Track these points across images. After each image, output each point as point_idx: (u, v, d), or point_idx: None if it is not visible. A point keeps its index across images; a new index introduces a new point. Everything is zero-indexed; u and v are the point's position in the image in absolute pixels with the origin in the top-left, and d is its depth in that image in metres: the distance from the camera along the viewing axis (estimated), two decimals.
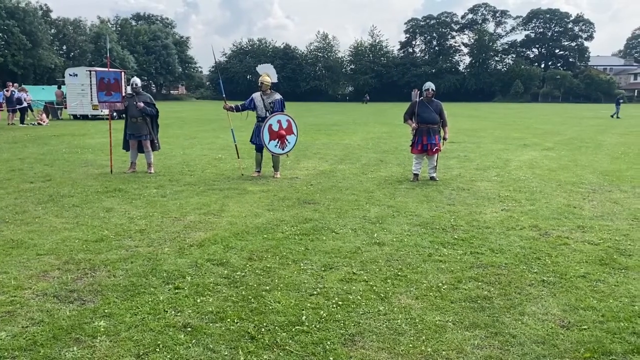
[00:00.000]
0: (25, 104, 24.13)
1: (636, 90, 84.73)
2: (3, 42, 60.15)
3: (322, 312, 3.77)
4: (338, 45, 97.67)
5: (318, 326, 3.55)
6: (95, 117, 26.97)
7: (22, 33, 59.85)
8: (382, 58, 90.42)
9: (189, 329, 3.48)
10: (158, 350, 3.19)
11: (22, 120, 23.67)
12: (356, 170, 10.74)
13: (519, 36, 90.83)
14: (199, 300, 3.96)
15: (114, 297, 4.01)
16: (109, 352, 3.17)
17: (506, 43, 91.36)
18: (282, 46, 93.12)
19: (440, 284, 4.35)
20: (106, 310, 3.76)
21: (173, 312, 3.75)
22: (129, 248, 5.28)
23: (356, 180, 9.58)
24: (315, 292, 4.15)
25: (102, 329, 3.46)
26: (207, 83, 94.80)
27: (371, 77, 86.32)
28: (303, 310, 3.80)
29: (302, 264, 4.84)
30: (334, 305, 3.89)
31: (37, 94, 32.27)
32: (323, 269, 4.73)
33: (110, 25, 79.97)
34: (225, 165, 11.22)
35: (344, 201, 7.68)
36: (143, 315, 3.68)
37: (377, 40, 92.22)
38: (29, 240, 5.48)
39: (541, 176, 10.14)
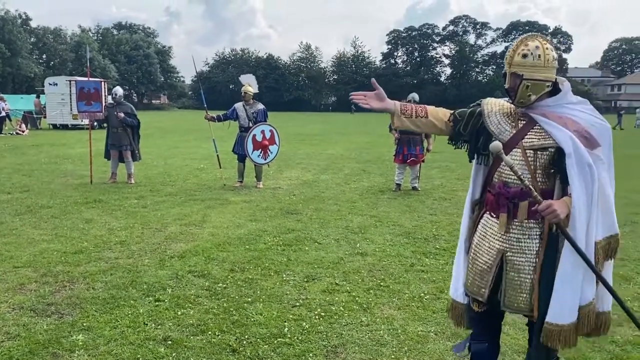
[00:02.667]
0: (3, 114, 23.76)
1: (613, 102, 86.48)
2: None
3: (304, 323, 3.75)
4: (321, 56, 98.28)
5: (300, 338, 3.53)
6: (75, 127, 26.61)
7: (1, 42, 59.04)
8: (364, 69, 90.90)
9: (169, 342, 3.44)
10: None
11: None
12: (339, 180, 10.76)
13: (499, 48, 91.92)
14: (179, 313, 3.91)
15: (93, 310, 3.94)
16: None
17: (486, 54, 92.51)
18: (265, 56, 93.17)
19: (422, 294, 4.37)
20: (85, 324, 3.69)
21: (153, 325, 3.70)
22: (109, 260, 5.21)
23: (339, 190, 9.59)
24: (297, 304, 4.13)
25: (81, 343, 3.40)
26: (190, 93, 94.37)
27: (354, 87, 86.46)
28: (285, 322, 3.78)
29: (284, 275, 4.82)
30: (317, 317, 3.88)
31: (16, 103, 31.77)
32: (305, 280, 4.71)
33: (91, 35, 79.24)
34: (207, 176, 11.15)
35: (327, 211, 7.68)
36: (122, 329, 3.63)
37: (359, 51, 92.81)
38: (6, 252, 5.37)
39: None
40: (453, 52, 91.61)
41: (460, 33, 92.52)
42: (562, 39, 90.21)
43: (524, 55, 2.32)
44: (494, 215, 2.47)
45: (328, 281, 4.68)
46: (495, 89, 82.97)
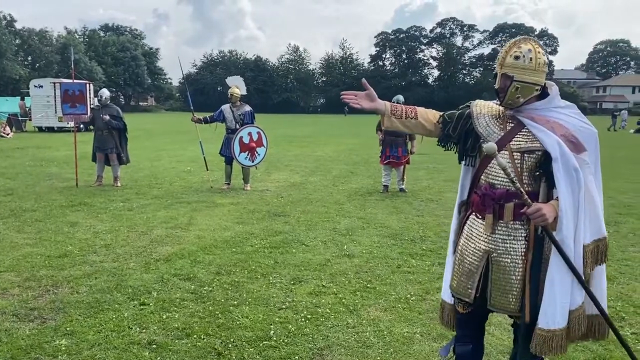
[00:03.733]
0: None
1: (598, 103, 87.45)
2: None
3: (290, 326, 3.74)
4: (309, 58, 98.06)
5: (286, 341, 3.52)
6: (61, 129, 26.37)
7: None
8: (352, 71, 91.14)
9: (154, 345, 3.41)
10: None
11: None
12: (327, 182, 10.76)
13: (486, 50, 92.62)
14: (164, 316, 3.88)
15: (77, 315, 3.90)
16: None
17: (474, 57, 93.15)
18: (253, 58, 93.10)
19: (408, 296, 4.37)
20: (68, 328, 3.65)
21: (138, 328, 3.67)
22: (94, 263, 5.16)
23: (327, 192, 9.59)
24: (284, 306, 4.12)
25: (64, 348, 3.36)
26: (177, 94, 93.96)
27: (342, 89, 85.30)
28: (271, 325, 3.77)
29: (271, 278, 4.80)
30: (303, 319, 3.87)
31: (0, 106, 31.40)
32: (292, 282, 4.70)
33: (77, 36, 78.60)
34: (194, 178, 11.10)
35: (315, 213, 7.67)
36: (107, 333, 3.59)
37: (347, 53, 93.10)
38: None
39: None
40: (440, 54, 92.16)
41: (448, 35, 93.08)
42: (548, 41, 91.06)
43: (516, 57, 2.34)
44: (480, 217, 2.48)
45: (315, 283, 4.67)
46: (482, 90, 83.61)
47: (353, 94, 2.60)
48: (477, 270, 2.47)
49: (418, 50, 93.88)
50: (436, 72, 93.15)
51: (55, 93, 10.22)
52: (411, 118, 2.57)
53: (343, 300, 4.27)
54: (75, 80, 10.38)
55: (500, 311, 2.49)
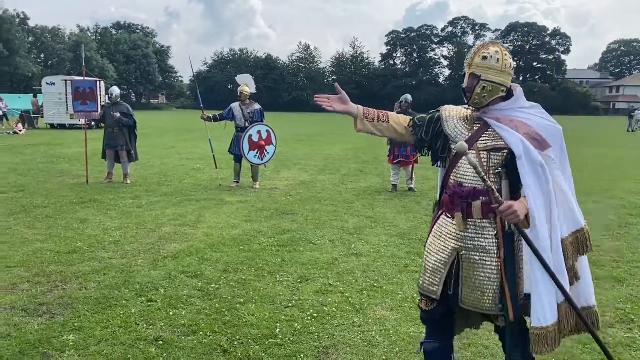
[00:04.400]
0: (0, 113, 23.71)
1: (612, 103, 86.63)
2: None
3: (296, 324, 3.75)
4: (320, 56, 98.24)
5: (292, 339, 3.53)
6: (73, 127, 26.60)
7: None
8: (363, 69, 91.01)
9: (161, 342, 3.43)
10: None
11: None
12: (336, 181, 10.76)
13: None
14: (171, 313, 3.90)
15: (85, 310, 3.93)
16: None
17: None
18: (264, 56, 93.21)
19: (415, 295, 4.35)
20: (76, 324, 3.68)
21: (145, 325, 3.69)
22: (102, 260, 5.20)
23: (336, 191, 9.59)
24: (290, 305, 4.12)
25: (71, 343, 3.39)
26: (188, 92, 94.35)
27: (353, 88, 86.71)
28: (277, 323, 3.77)
29: (278, 276, 4.81)
30: (309, 318, 3.87)
31: (13, 103, 31.77)
32: (299, 280, 4.70)
33: (89, 34, 79.16)
34: (204, 176, 11.14)
35: (323, 212, 7.67)
36: (114, 329, 3.62)
37: (358, 52, 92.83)
38: None
39: None
40: (452, 53, 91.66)
41: (459, 34, 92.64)
42: (561, 40, 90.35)
43: (484, 58, 2.44)
44: (450, 216, 2.54)
45: (322, 282, 4.67)
46: None
47: (326, 97, 2.67)
48: (445, 267, 2.51)
49: (429, 49, 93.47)
50: (447, 72, 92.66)
51: (66, 90, 10.27)
52: (383, 122, 2.66)
53: (350, 299, 4.27)
54: (86, 78, 10.46)
55: (472, 309, 2.50)
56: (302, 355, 3.31)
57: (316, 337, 3.57)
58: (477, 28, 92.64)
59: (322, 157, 15.44)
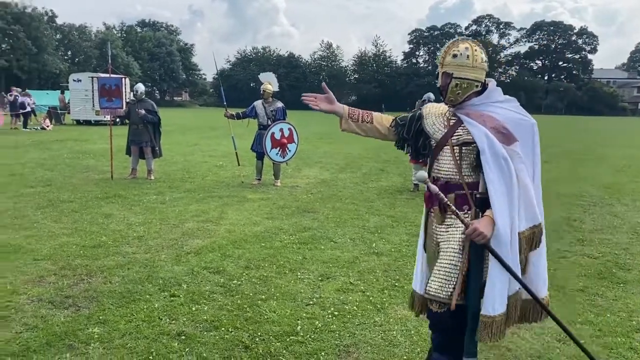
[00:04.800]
0: (28, 109, 24.22)
1: (639, 104, 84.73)
2: (9, 47, 60.46)
3: (317, 322, 3.75)
4: (342, 55, 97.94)
5: (313, 337, 3.53)
6: (98, 123, 27.03)
7: (27, 38, 60.16)
8: (385, 68, 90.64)
9: (183, 337, 3.47)
10: (151, 358, 3.18)
11: (24, 125, 23.74)
12: (357, 180, 10.74)
13: (523, 48, 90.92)
14: (194, 309, 3.94)
15: (109, 304, 4.00)
16: (102, 359, 3.15)
17: (510, 55, 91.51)
18: (286, 54, 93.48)
19: None
20: (101, 317, 3.74)
21: (168, 319, 3.74)
22: (126, 254, 5.27)
23: (357, 189, 9.57)
24: (311, 302, 4.13)
25: (96, 336, 3.45)
26: (211, 90, 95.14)
27: (374, 86, 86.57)
28: (298, 320, 3.78)
29: (299, 273, 4.82)
30: (330, 316, 3.87)
31: (41, 99, 32.37)
32: (320, 278, 4.71)
33: (115, 32, 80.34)
34: (226, 173, 11.22)
35: (344, 210, 7.67)
36: (137, 323, 3.67)
37: (380, 50, 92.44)
38: (27, 245, 5.48)
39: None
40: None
41: (484, 33, 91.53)
42: (587, 39, 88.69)
43: (454, 56, 2.49)
44: (432, 212, 2.63)
45: (342, 280, 4.67)
46: (518, 90, 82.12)
47: (313, 96, 2.75)
48: (433, 263, 2.59)
49: None
50: None
51: (93, 87, 10.44)
52: (367, 122, 2.76)
53: (370, 298, 4.26)
54: (112, 75, 10.62)
55: (434, 297, 2.52)
56: (323, 353, 3.31)
57: (337, 335, 3.57)
58: (501, 27, 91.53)
59: (342, 155, 15.42)
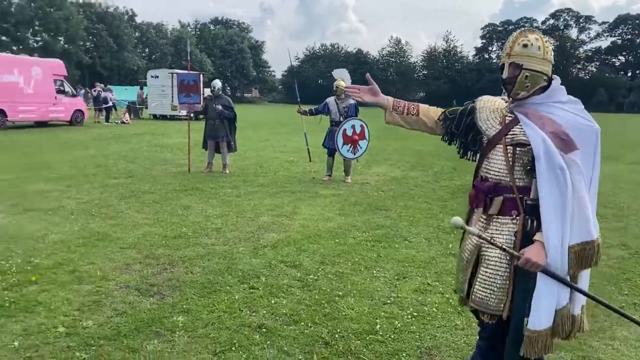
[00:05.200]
0: (110, 104, 25.55)
1: None
2: (92, 45, 64.07)
3: (396, 322, 3.69)
4: (411, 51, 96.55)
5: (393, 337, 3.48)
6: (173, 118, 28.11)
7: (109, 36, 63.57)
8: (456, 63, 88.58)
9: (264, 329, 3.51)
10: (234, 349, 3.23)
11: (107, 119, 25.07)
12: (428, 178, 10.53)
13: (604, 43, 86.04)
14: (273, 302, 3.98)
15: (192, 294, 4.11)
16: (187, 347, 3.24)
17: (589, 50, 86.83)
18: (354, 51, 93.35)
19: None
20: (184, 306, 3.86)
21: (248, 311, 3.80)
22: (206, 246, 5.42)
23: (429, 188, 9.38)
24: (388, 301, 4.07)
25: (181, 324, 3.55)
26: (280, 87, 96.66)
27: (444, 82, 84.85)
28: (377, 319, 3.74)
29: (374, 271, 4.77)
30: (409, 316, 3.80)
31: (121, 94, 34.10)
32: (396, 277, 4.64)
33: (189, 29, 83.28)
34: (297, 168, 11.33)
35: (417, 209, 7.53)
36: (219, 313, 3.75)
37: (451, 46, 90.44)
38: (113, 233, 5.75)
39: (629, 191, 9.51)
40: (553, 47, 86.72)
41: (561, 27, 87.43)
42: None
43: (525, 45, 2.33)
44: (476, 212, 2.51)
45: (420, 281, 4.58)
46: (598, 86, 77.84)
47: (357, 87, 2.70)
48: (470, 265, 2.47)
49: None
50: None
51: (172, 83, 10.83)
52: (412, 114, 2.66)
53: (450, 300, 4.14)
54: (190, 72, 10.96)
55: (481, 308, 2.40)
56: (404, 354, 3.25)
57: (417, 336, 3.50)
58: (581, 20, 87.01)
59: (413, 152, 15.19)
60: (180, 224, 6.24)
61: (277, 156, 13.45)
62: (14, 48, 52.61)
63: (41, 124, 20.81)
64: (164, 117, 28.67)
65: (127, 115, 25.98)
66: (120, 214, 6.68)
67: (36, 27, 58.92)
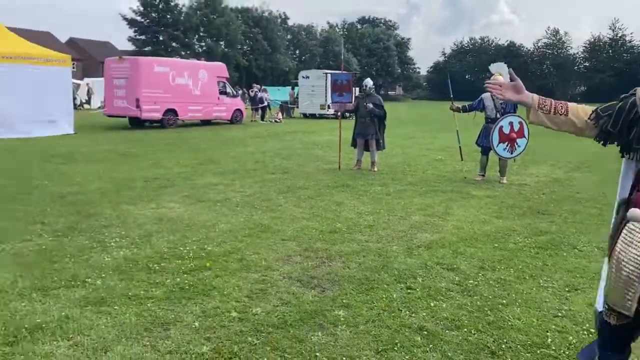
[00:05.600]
0: (265, 103, 27.19)
1: None
2: (249, 48, 68.76)
3: (570, 337, 3.40)
4: (570, 41, 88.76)
5: (567, 352, 3.21)
6: (321, 117, 29.08)
7: (264, 39, 67.74)
8: (624, 54, 79.74)
9: (425, 332, 3.44)
10: (396, 349, 3.22)
11: (262, 118, 26.72)
12: (596, 180, 9.62)
13: None
14: (432, 304, 3.90)
15: (350, 289, 4.18)
16: (350, 342, 3.30)
17: None
18: (505, 44, 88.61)
19: None
20: (344, 301, 3.94)
21: (407, 312, 3.76)
22: (360, 242, 5.49)
23: (598, 191, 8.54)
24: (559, 314, 3.76)
25: (342, 319, 3.63)
26: (424, 84, 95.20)
27: (609, 75, 76.87)
28: (547, 332, 3.47)
29: (541, 281, 4.45)
30: (585, 332, 3.47)
31: (274, 95, 36.10)
32: (567, 289, 4.27)
33: (337, 30, 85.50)
34: (446, 167, 11.04)
35: (585, 215, 6.90)
36: (379, 311, 3.76)
37: (618, 35, 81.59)
38: (274, 225, 6.08)
39: None
40: None
41: None
42: None
43: None
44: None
45: (594, 294, 4.16)
46: None
47: (498, 84, 2.50)
48: (638, 280, 2.10)
49: None
50: None
51: (326, 83, 11.17)
52: (560, 114, 2.42)
53: None
54: (343, 71, 11.22)
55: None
56: None
57: None
58: None
59: (575, 152, 13.95)
60: (334, 220, 6.41)
61: (424, 154, 13.24)
62: (182, 53, 58.48)
63: (205, 123, 22.78)
64: (313, 116, 29.78)
65: (280, 114, 27.44)
66: (279, 207, 7.05)
67: (201, 33, 64.81)
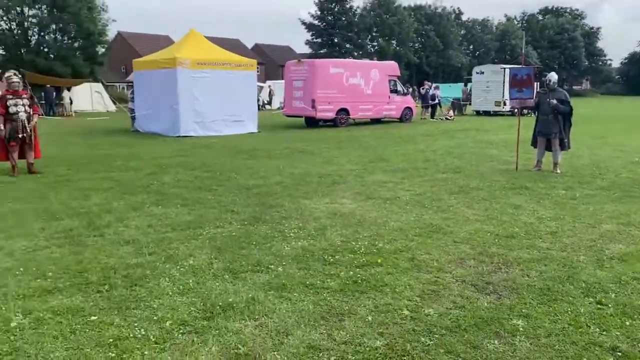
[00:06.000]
0: (436, 101, 26.74)
1: None
2: (420, 46, 68.18)
3: None
4: None
5: None
6: (496, 114, 27.67)
7: (436, 36, 66.60)
8: None
9: (619, 353, 3.09)
10: None
11: (432, 115, 26.31)
12: None
13: None
14: (627, 323, 3.48)
15: (530, 298, 3.92)
16: (530, 355, 3.09)
17: None
18: None
19: None
20: (523, 310, 3.71)
21: (597, 329, 3.41)
22: (541, 249, 5.12)
23: None
24: None
25: (521, 329, 3.42)
26: (617, 77, 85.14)
27: None
28: None
29: None
30: None
31: (445, 91, 35.29)
32: None
33: (516, 22, 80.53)
34: None
35: None
36: (563, 325, 3.47)
37: None
38: (445, 227, 5.94)
39: None
40: None
41: None
42: None
43: None
44: None
45: None
46: None
47: None
48: None
49: None
50: None
51: (504, 78, 10.63)
52: None
53: None
54: (523, 66, 10.53)
55: None
56: None
57: None
58: None
59: None
60: (511, 224, 6.06)
61: (617, 156, 11.85)
62: (355, 54, 60.14)
63: (375, 121, 23.13)
64: (487, 113, 28.49)
65: (451, 111, 26.76)
66: (450, 208, 6.88)
67: (374, 33, 65.97)
